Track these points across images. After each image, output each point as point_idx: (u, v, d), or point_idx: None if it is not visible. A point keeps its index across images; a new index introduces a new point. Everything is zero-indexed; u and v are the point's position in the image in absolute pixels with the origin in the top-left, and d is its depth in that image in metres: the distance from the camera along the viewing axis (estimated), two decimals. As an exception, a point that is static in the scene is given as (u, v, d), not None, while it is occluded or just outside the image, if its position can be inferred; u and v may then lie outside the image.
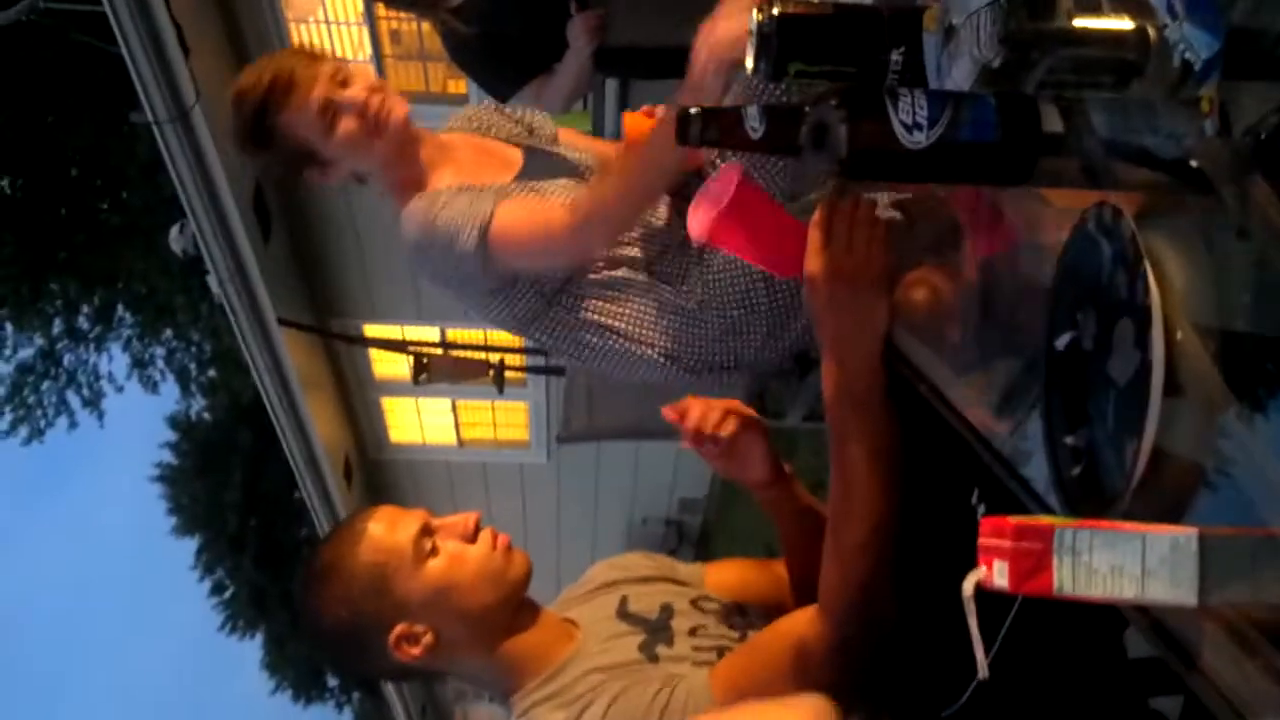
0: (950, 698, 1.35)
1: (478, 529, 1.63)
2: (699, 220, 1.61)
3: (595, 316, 2.19)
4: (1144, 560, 0.82)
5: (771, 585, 1.85)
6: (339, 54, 7.29)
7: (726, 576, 1.85)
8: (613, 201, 2.00)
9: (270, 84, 2.07)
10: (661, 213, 2.22)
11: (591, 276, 2.18)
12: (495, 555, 1.61)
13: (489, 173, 2.20)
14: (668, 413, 1.71)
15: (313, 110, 2.07)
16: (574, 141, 2.42)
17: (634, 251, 2.20)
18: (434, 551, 1.59)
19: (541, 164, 2.24)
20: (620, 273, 2.18)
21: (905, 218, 1.53)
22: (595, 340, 2.23)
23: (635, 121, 1.99)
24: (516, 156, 2.27)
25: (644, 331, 2.19)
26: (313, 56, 2.14)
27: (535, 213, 2.09)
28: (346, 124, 2.09)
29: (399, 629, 1.57)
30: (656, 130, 1.91)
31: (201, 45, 6.16)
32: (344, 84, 2.11)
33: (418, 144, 2.18)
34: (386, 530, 1.60)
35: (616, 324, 2.19)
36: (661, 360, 2.20)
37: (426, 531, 1.61)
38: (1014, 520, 0.87)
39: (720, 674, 1.52)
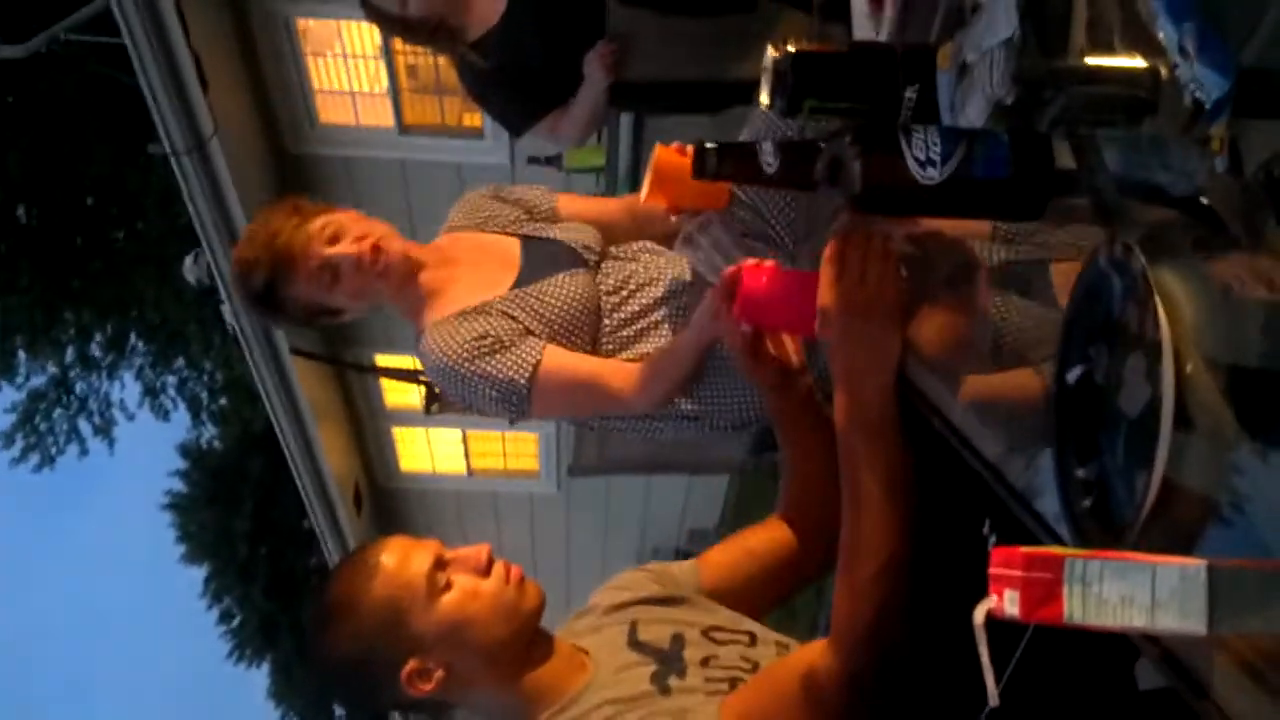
0: (961, 729, 1.35)
1: (490, 562, 1.62)
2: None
3: None
4: (1154, 591, 0.82)
5: (769, 540, 1.85)
6: (356, 88, 7.36)
7: (721, 560, 1.86)
8: (667, 384, 2.13)
9: (271, 262, 2.15)
10: (686, 270, 2.25)
11: (622, 355, 2.22)
12: (508, 589, 1.61)
13: (490, 274, 2.24)
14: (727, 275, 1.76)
15: (314, 273, 2.16)
16: (574, 210, 2.42)
17: (660, 315, 2.22)
18: (447, 586, 1.58)
19: (540, 257, 2.26)
20: (646, 346, 2.21)
21: (918, 252, 1.55)
22: (622, 423, 2.29)
23: (666, 156, 2.02)
24: (515, 252, 2.28)
25: (671, 405, 2.21)
26: (300, 216, 2.20)
27: (580, 385, 2.16)
28: (347, 279, 2.17)
29: (411, 665, 1.56)
30: (703, 313, 2.01)
31: (219, 78, 6.23)
32: (334, 239, 2.17)
33: (419, 271, 2.25)
34: (399, 564, 1.59)
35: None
36: (688, 425, 2.23)
37: (439, 565, 1.60)
38: (1024, 550, 0.88)
39: (731, 705, 1.51)
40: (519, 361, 2.10)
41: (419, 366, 2.54)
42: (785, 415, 1.84)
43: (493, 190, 2.43)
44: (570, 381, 2.14)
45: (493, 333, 2.12)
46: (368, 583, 1.58)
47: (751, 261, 1.77)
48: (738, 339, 1.78)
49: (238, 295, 2.28)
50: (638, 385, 2.13)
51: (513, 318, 2.15)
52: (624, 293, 2.24)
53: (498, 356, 2.11)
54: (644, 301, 2.23)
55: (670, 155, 2.00)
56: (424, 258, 2.26)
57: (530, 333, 2.14)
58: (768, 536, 1.86)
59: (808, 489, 1.82)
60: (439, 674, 1.57)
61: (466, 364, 2.11)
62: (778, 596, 1.86)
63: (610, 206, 2.48)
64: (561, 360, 2.13)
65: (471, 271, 2.26)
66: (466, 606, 1.58)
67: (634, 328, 2.21)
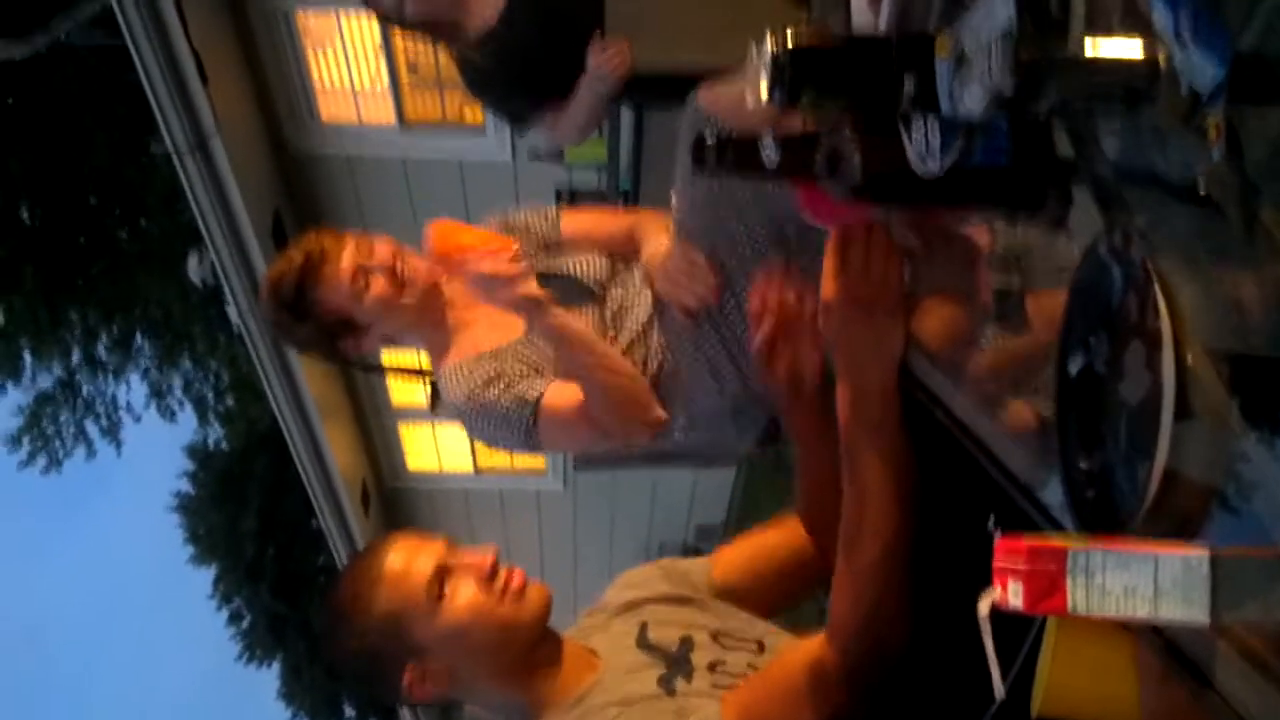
0: (968, 721, 1.35)
1: (495, 568, 1.63)
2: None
3: None
4: (1157, 581, 0.82)
5: (784, 540, 1.86)
6: (358, 85, 7.37)
7: (734, 558, 1.87)
8: (608, 399, 2.15)
9: (305, 260, 2.21)
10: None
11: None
12: (510, 598, 1.61)
13: (508, 316, 2.27)
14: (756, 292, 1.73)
15: (346, 277, 2.19)
16: (577, 228, 2.45)
17: (652, 340, 2.25)
18: (450, 594, 1.60)
19: (552, 294, 2.29)
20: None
21: (921, 243, 1.54)
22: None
23: (440, 233, 2.12)
24: None
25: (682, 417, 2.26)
26: (336, 234, 2.26)
27: (577, 414, 2.18)
28: (377, 285, 2.21)
29: (410, 673, 1.60)
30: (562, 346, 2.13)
31: (220, 74, 6.22)
32: (369, 253, 2.22)
33: (443, 299, 2.30)
34: (404, 569, 1.61)
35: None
36: (715, 402, 2.26)
37: (444, 570, 1.61)
38: (1028, 541, 0.88)
39: (732, 702, 1.52)
40: (523, 398, 2.16)
41: (424, 363, 2.57)
42: (798, 413, 1.82)
43: (501, 222, 2.45)
44: (572, 414, 2.18)
45: (503, 373, 2.19)
46: (371, 590, 1.61)
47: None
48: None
49: (266, 311, 2.31)
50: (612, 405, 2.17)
51: (523, 360, 2.22)
52: (619, 319, 2.27)
53: (505, 395, 2.17)
54: (635, 329, 2.26)
55: (447, 234, 2.10)
56: (452, 296, 2.32)
57: (539, 372, 2.20)
58: (781, 535, 1.87)
59: (822, 487, 1.79)
60: (442, 676, 1.60)
61: (478, 403, 2.18)
62: (791, 595, 1.87)
63: (613, 225, 2.49)
64: (564, 395, 2.17)
65: (491, 314, 2.30)
66: (466, 616, 1.59)
67: (632, 356, 2.24)
